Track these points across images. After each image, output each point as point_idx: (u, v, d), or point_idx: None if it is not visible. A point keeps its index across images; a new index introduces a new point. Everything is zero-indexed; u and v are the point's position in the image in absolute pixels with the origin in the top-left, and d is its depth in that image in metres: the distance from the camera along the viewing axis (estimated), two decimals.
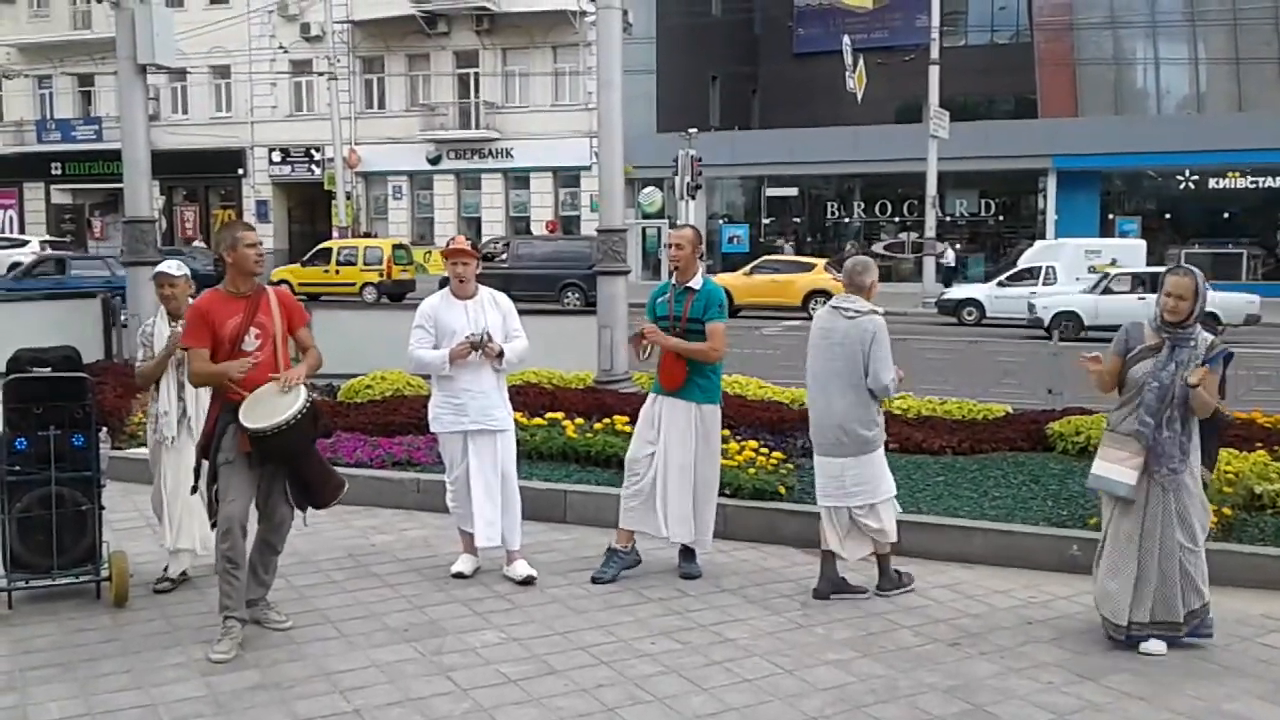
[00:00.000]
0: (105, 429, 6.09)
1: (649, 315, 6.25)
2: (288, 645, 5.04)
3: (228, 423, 4.98)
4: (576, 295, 25.89)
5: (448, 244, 6.15)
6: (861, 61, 31.20)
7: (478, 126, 37.99)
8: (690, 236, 6.18)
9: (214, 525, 5.09)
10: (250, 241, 5.07)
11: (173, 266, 6.00)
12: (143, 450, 8.56)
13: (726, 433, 7.73)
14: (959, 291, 26.01)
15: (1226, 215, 33.80)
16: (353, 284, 28.83)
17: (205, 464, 5.12)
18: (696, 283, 6.12)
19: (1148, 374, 5.02)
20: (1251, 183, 32.72)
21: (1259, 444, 7.67)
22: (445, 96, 38.54)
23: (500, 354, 5.95)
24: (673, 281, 6.20)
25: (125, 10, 11.11)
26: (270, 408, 4.89)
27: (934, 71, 28.73)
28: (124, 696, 4.47)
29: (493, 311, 6.06)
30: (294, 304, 5.28)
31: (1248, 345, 11.74)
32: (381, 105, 39.63)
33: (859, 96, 31.37)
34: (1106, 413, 5.45)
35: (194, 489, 5.27)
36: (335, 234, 35.46)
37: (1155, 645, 5.04)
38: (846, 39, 31.61)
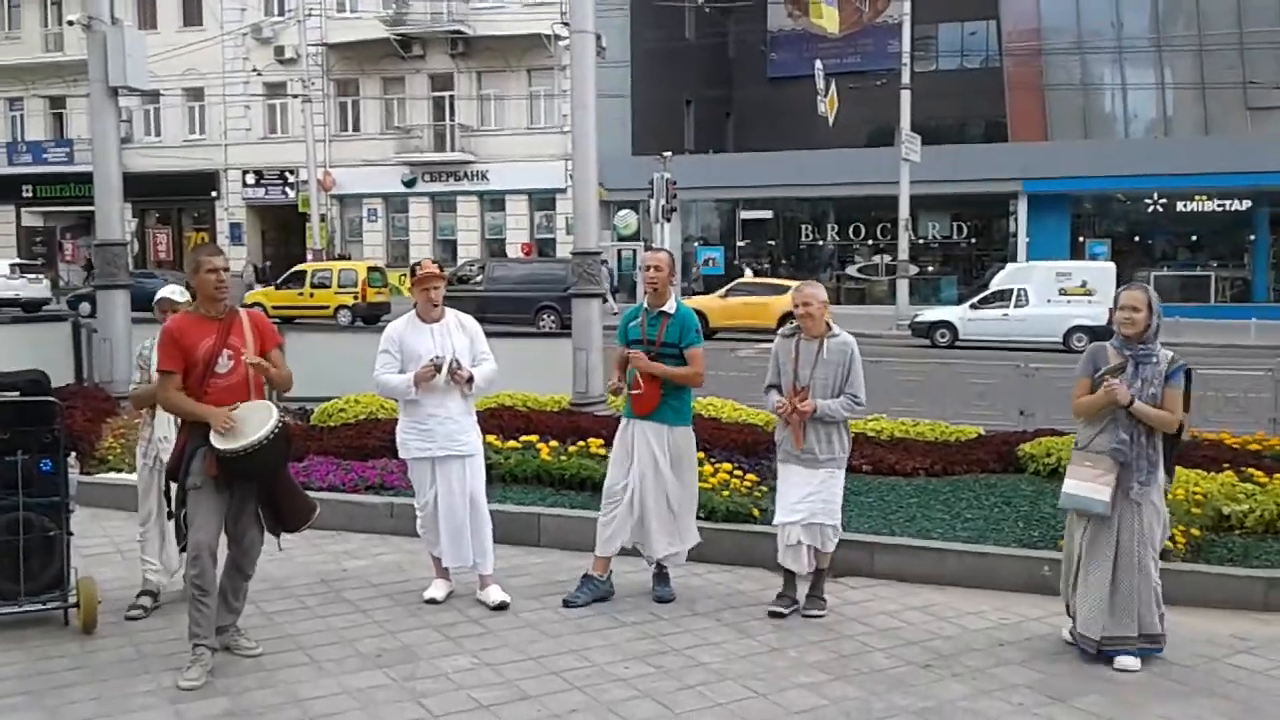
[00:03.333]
0: (74, 454, 6.01)
1: (620, 339, 6.27)
2: (258, 672, 5.00)
3: (196, 446, 4.94)
4: (552, 318, 25.88)
5: (415, 270, 6.04)
6: (834, 86, 31.50)
7: (453, 149, 38.05)
8: (667, 260, 6.22)
9: (182, 549, 5.04)
10: (211, 267, 5.00)
11: (175, 292, 5.92)
12: (114, 476, 8.52)
13: (701, 455, 7.76)
14: (932, 314, 26.22)
15: (1195, 238, 34.31)
16: (327, 307, 28.72)
17: (174, 487, 5.08)
18: (670, 306, 6.14)
19: None
20: (1218, 205, 33.22)
21: (1226, 464, 7.77)
22: (420, 119, 38.59)
23: (470, 379, 5.93)
24: (645, 305, 6.22)
25: (97, 33, 11.04)
26: (242, 428, 4.86)
27: (906, 96, 29.03)
28: None
29: (459, 335, 6.03)
30: (266, 326, 5.23)
31: (1217, 367, 11.85)
32: (356, 128, 39.63)
33: (830, 120, 31.66)
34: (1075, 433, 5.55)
35: (169, 514, 5.22)
36: (310, 256, 35.35)
37: (1128, 660, 5.09)
38: (819, 63, 31.90)
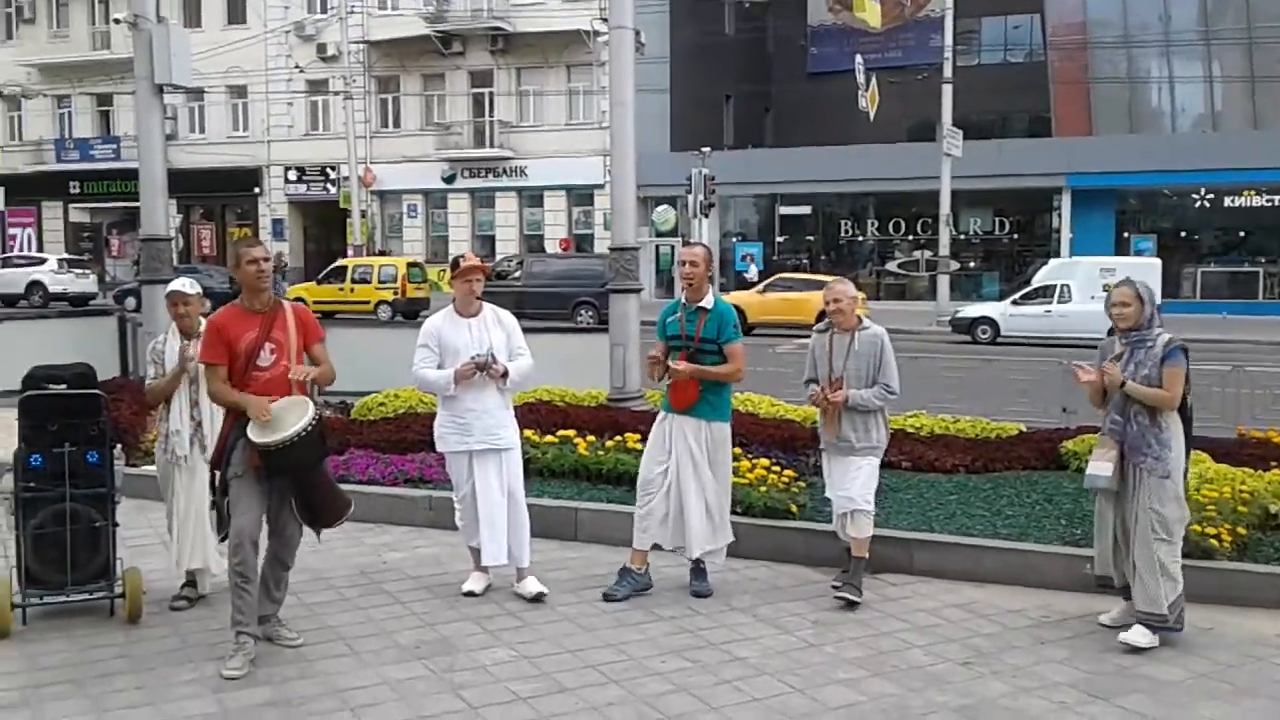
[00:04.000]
0: (120, 445, 6.10)
1: (659, 335, 6.27)
2: (299, 662, 5.06)
3: (238, 437, 5.02)
4: (590, 313, 25.93)
5: (459, 263, 6.06)
6: (874, 80, 31.26)
7: (492, 145, 38.18)
8: (704, 255, 6.20)
9: (222, 539, 5.10)
10: (251, 258, 5.08)
11: (185, 284, 5.97)
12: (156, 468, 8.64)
13: (738, 451, 7.74)
14: (973, 310, 25.98)
15: (1242, 234, 33.69)
16: (367, 302, 28.93)
17: (217, 475, 5.15)
18: (708, 302, 6.13)
19: None
20: (1267, 201, 32.61)
21: (1274, 463, 7.62)
22: (460, 115, 38.75)
23: (505, 374, 5.96)
24: (684, 300, 6.21)
25: (143, 31, 11.19)
26: (279, 422, 4.92)
27: (947, 90, 28.77)
28: (136, 713, 4.49)
29: (496, 330, 6.06)
30: (310, 320, 5.29)
31: (1264, 365, 11.67)
32: (397, 124, 39.86)
33: (871, 115, 31.42)
34: None
35: (213, 504, 5.29)
36: (350, 252, 35.64)
37: (1139, 635, 5.23)
38: (859, 58, 31.68)
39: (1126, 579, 5.45)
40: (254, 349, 5.02)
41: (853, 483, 6.02)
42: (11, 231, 42.12)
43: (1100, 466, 5.42)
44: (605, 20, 11.64)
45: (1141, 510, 5.32)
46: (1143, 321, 5.45)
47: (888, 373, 6.03)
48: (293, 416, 4.97)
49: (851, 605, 5.82)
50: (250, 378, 5.02)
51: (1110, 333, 5.66)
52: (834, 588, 5.94)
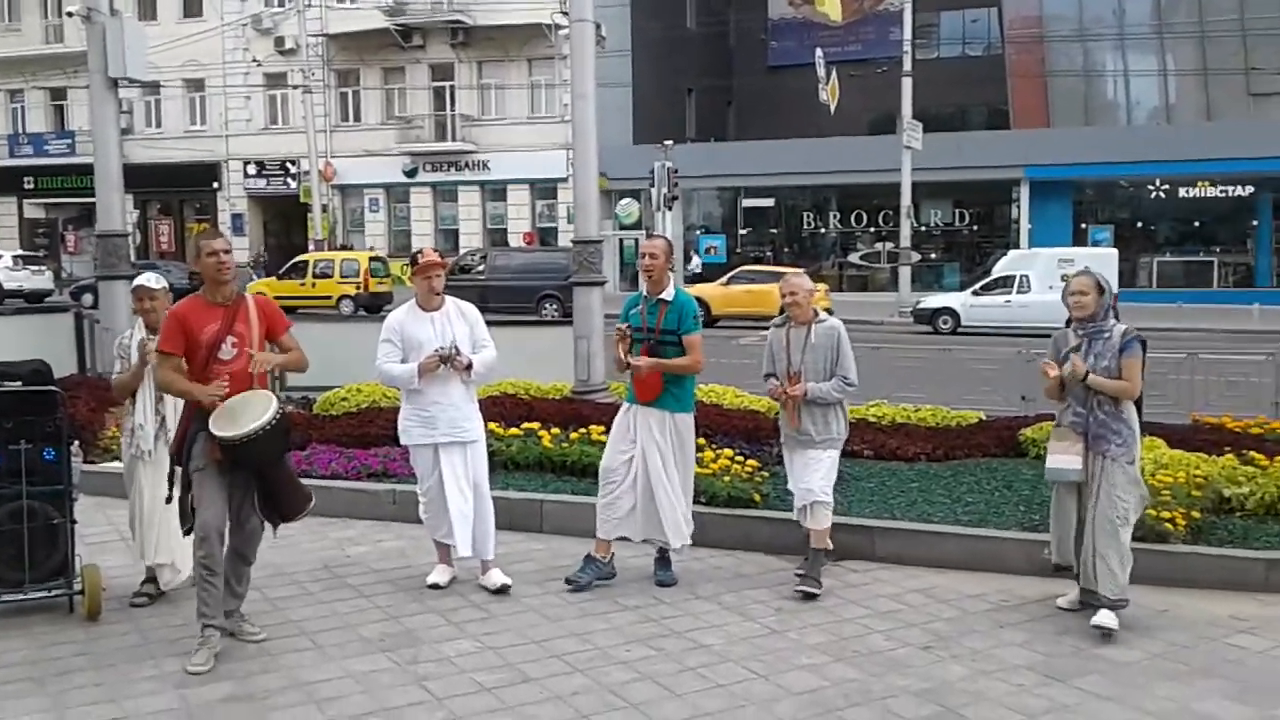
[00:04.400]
0: (77, 443, 6.03)
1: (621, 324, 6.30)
2: (262, 657, 5.03)
3: (199, 429, 4.97)
4: (554, 306, 25.87)
5: (417, 259, 6.04)
6: (834, 74, 31.42)
7: (454, 139, 37.98)
8: (664, 247, 6.24)
9: (186, 532, 5.05)
10: (211, 250, 5.01)
11: (151, 279, 5.91)
12: (117, 464, 8.54)
13: (702, 441, 7.78)
14: (934, 301, 26.20)
15: (1197, 224, 34.21)
16: (329, 297, 28.69)
17: (179, 470, 5.10)
18: (669, 294, 6.16)
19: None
20: (1221, 191, 33.15)
21: (1227, 448, 7.77)
22: (421, 109, 38.52)
23: (469, 366, 5.96)
24: (645, 293, 6.23)
25: (96, 24, 11.04)
26: (241, 416, 4.88)
27: (907, 83, 28.98)
28: (97, 710, 4.45)
29: (459, 323, 6.06)
30: (274, 310, 5.25)
31: (1218, 352, 11.87)
32: (357, 118, 39.57)
33: (832, 108, 31.60)
34: None
35: (169, 498, 5.23)
36: (311, 247, 35.34)
37: (1108, 618, 5.27)
38: (819, 52, 31.83)
39: (1086, 566, 5.48)
40: (215, 341, 4.97)
41: (813, 475, 6.02)
42: None
43: (1067, 460, 5.44)
44: (565, 13, 11.60)
45: (1105, 498, 5.37)
46: (1099, 311, 5.49)
47: (845, 365, 6.04)
48: (255, 410, 4.93)
49: (811, 596, 5.86)
50: (212, 371, 4.96)
51: (1067, 323, 5.68)
52: (796, 590, 5.92)
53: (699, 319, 6.27)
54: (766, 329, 6.51)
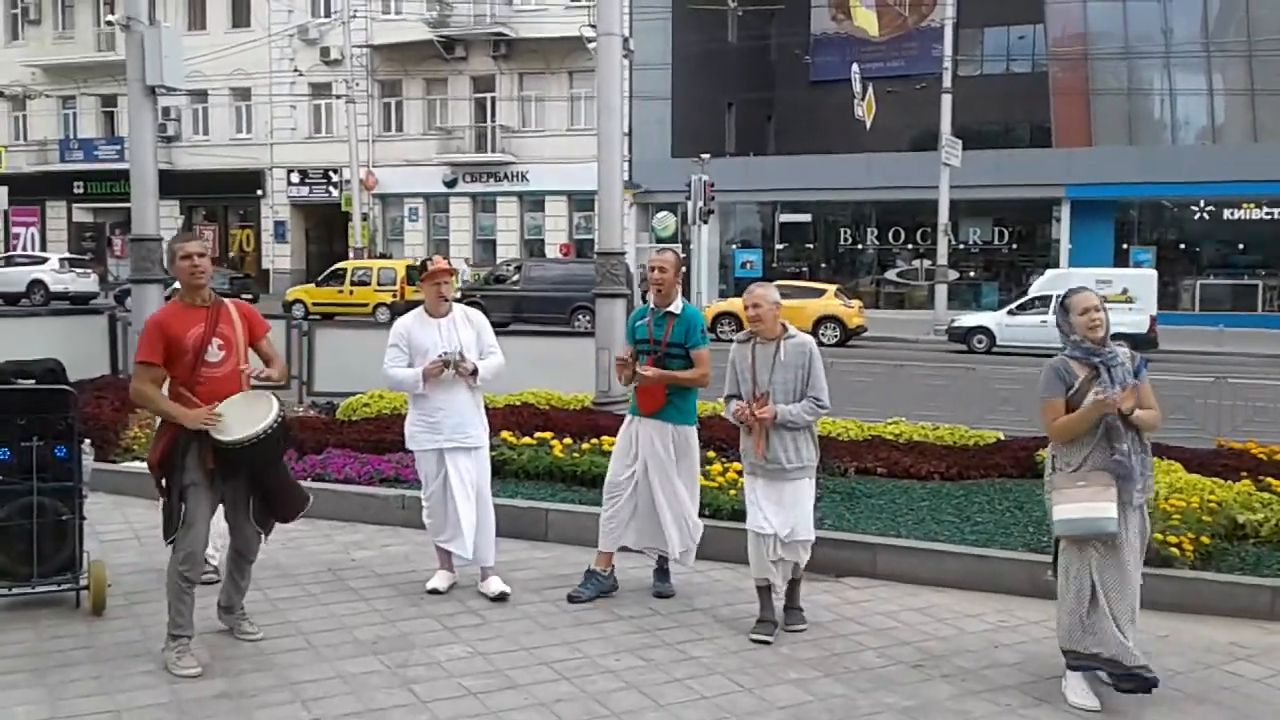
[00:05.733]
0: (88, 441, 6.15)
1: (629, 339, 6.35)
2: (256, 656, 5.11)
3: (190, 439, 4.90)
4: (587, 318, 25.94)
5: (426, 266, 6.17)
6: (870, 89, 31.33)
7: (494, 150, 38.29)
8: (673, 260, 6.25)
9: (168, 541, 5.00)
10: (185, 253, 4.96)
11: None
12: (138, 464, 8.68)
13: (713, 454, 7.80)
14: (969, 319, 26.02)
15: (1242, 246, 33.68)
16: (366, 304, 29.06)
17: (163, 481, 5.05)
18: (676, 307, 6.18)
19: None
20: (1267, 213, 32.63)
21: (1245, 473, 7.67)
22: (462, 120, 38.87)
23: (474, 371, 6.02)
24: (652, 305, 6.26)
25: (135, 33, 11.28)
26: (242, 420, 4.89)
27: (946, 100, 28.84)
28: (89, 702, 4.54)
29: (466, 329, 6.14)
30: (254, 315, 5.22)
31: (1252, 376, 11.70)
32: (399, 128, 40.01)
33: (868, 124, 31.50)
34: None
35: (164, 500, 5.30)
36: (351, 255, 35.76)
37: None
38: (855, 67, 31.78)
39: (1119, 639, 4.62)
40: (201, 344, 4.92)
41: (799, 515, 5.53)
42: (15, 231, 42.35)
43: (1101, 509, 4.58)
44: (593, 26, 11.69)
45: (1130, 548, 4.71)
46: (1107, 335, 4.83)
47: (817, 385, 5.48)
48: (257, 413, 4.93)
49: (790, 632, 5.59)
50: (201, 375, 4.92)
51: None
52: (788, 630, 5.56)
53: (705, 332, 6.28)
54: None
